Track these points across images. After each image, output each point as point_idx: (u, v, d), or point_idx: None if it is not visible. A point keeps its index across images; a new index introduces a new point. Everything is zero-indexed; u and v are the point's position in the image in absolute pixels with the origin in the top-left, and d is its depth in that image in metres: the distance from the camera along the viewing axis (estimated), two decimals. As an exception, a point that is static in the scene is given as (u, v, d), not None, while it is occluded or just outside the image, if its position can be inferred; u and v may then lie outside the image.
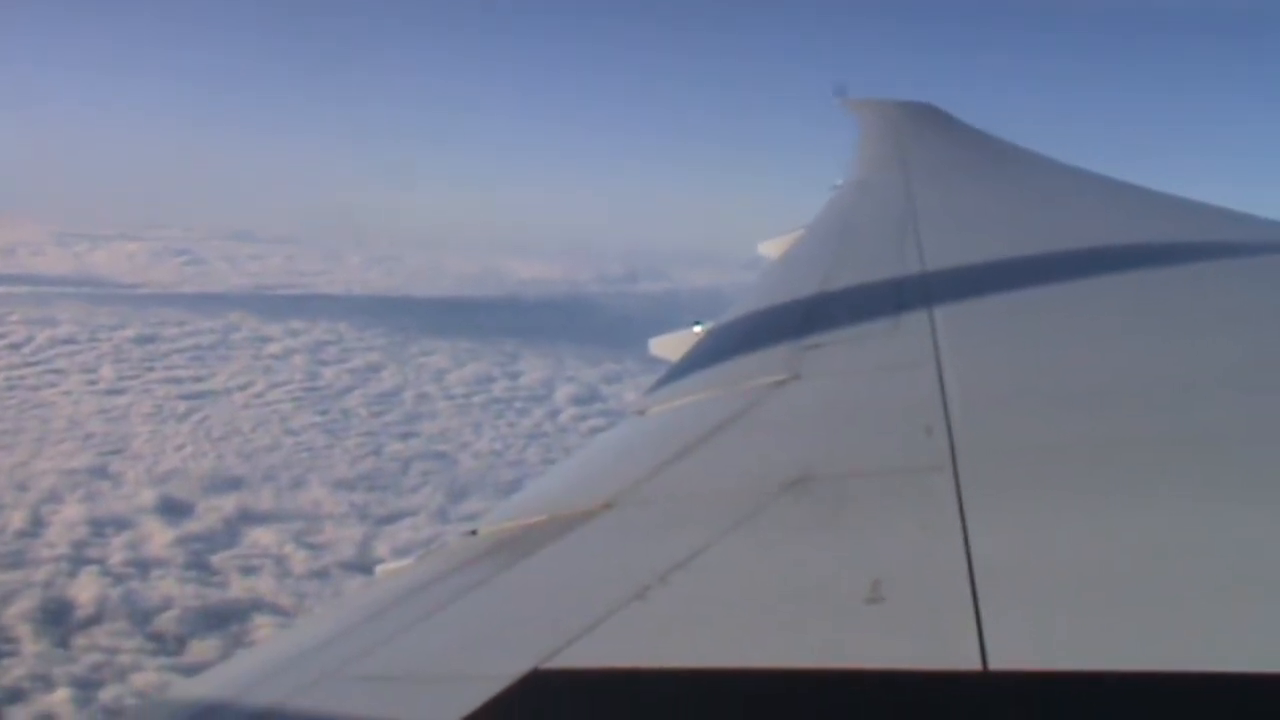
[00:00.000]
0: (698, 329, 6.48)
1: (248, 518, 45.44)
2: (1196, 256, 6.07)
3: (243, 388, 66.93)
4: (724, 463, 3.41)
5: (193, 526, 43.99)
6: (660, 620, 2.13)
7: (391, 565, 3.65)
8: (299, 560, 41.39)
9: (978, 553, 2.09)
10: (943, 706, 1.62)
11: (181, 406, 62.14)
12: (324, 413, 62.76)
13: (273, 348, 77.22)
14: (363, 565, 41.29)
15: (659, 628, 2.10)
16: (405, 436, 59.35)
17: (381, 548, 43.09)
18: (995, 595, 1.89)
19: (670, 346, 6.58)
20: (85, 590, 37.18)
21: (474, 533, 3.41)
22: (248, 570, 40.22)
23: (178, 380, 67.75)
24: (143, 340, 76.53)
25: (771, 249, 9.84)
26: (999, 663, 1.65)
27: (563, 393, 69.87)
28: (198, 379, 68.46)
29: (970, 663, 1.66)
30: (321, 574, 40.40)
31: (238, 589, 38.70)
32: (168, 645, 34.10)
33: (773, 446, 3.48)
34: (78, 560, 39.68)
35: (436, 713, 1.85)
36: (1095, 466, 2.65)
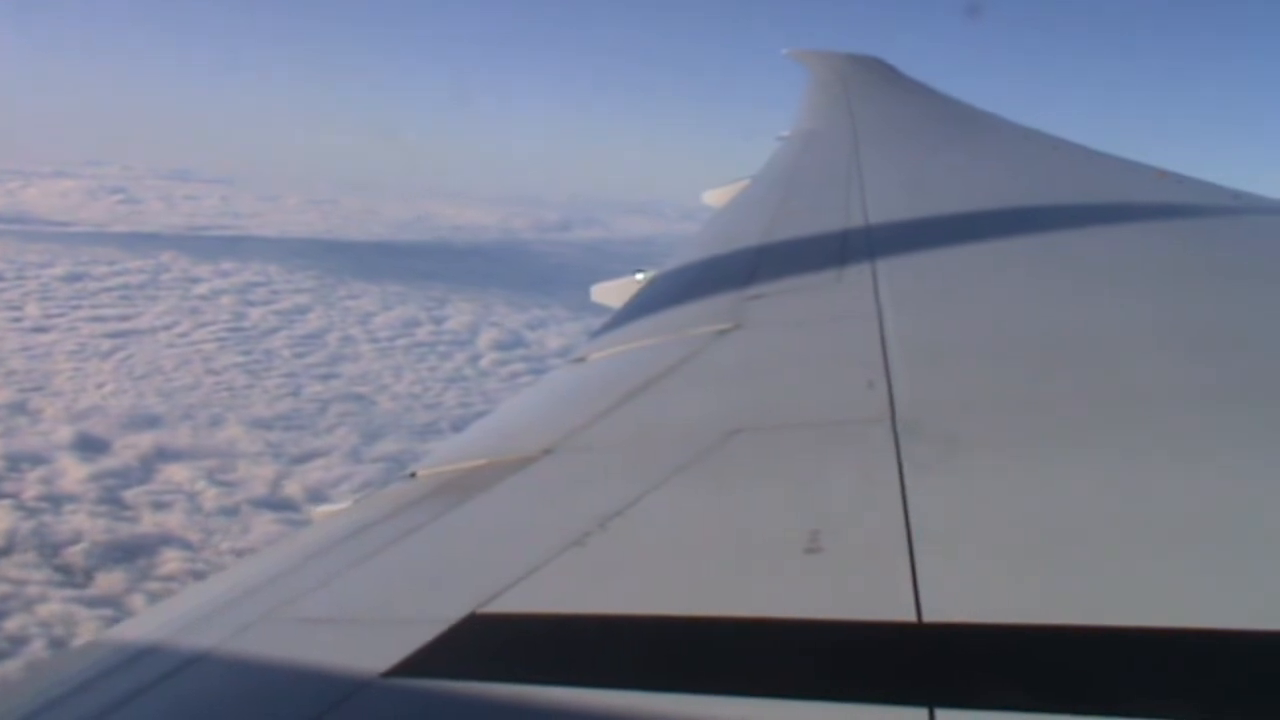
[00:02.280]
0: (640, 276, 6.37)
1: (163, 455, 45.31)
2: (1138, 216, 6.07)
3: (168, 327, 66.18)
4: (665, 411, 3.35)
5: (108, 463, 43.85)
6: (599, 567, 2.10)
7: (330, 508, 3.55)
8: (210, 497, 41.46)
9: (915, 506, 2.08)
10: (877, 656, 1.60)
11: (105, 345, 61.39)
12: (247, 353, 62.27)
13: (201, 288, 76.25)
14: (273, 503, 41.67)
15: (598, 574, 2.07)
16: (326, 378, 59.19)
17: (292, 486, 43.46)
18: (931, 548, 1.88)
19: (612, 293, 6.48)
20: (-4, 523, 37.18)
21: (413, 475, 3.35)
22: (159, 506, 40.24)
23: (103, 319, 66.77)
24: (71, 278, 75.21)
25: (716, 198, 9.71)
26: (933, 615, 1.65)
27: (486, 338, 69.80)
28: (124, 318, 67.52)
29: (905, 614, 1.66)
30: (232, 511, 40.55)
31: (148, 524, 38.71)
32: (75, 578, 34.07)
33: (714, 395, 3.42)
34: (-10, 494, 39.60)
35: (375, 656, 1.79)
36: (1034, 422, 2.63)
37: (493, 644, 1.84)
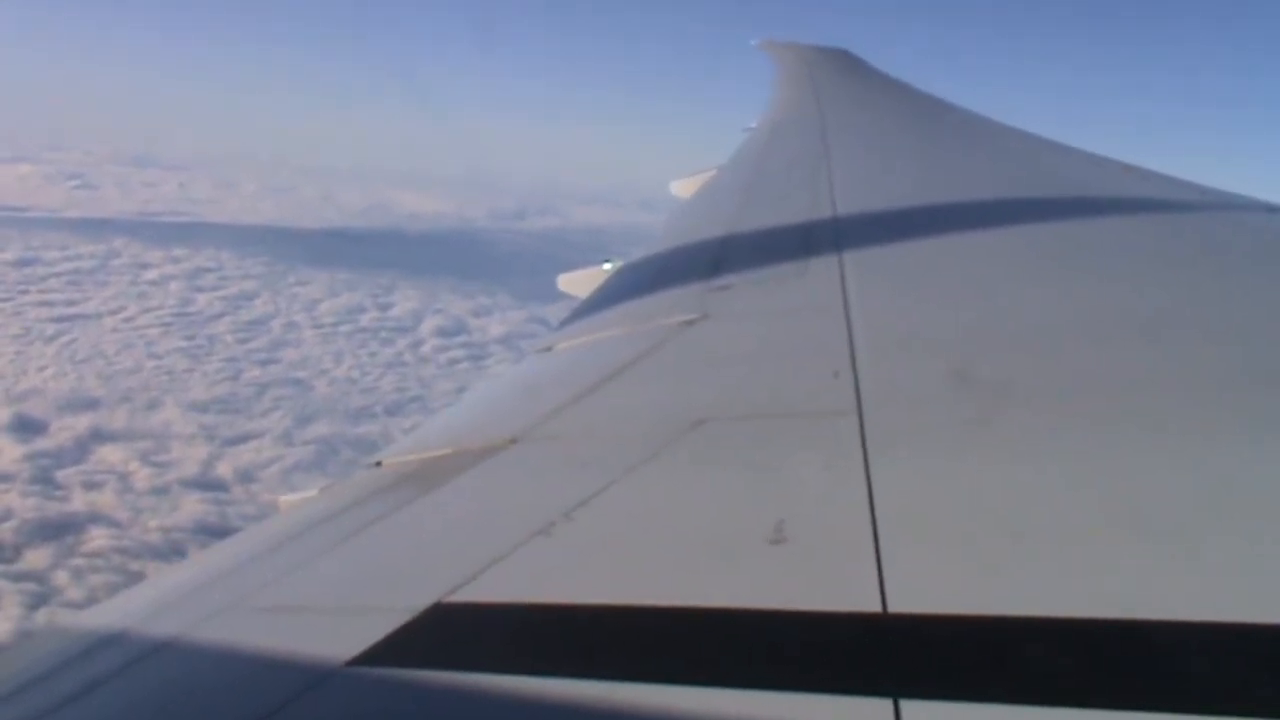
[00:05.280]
0: (607, 266, 6.32)
1: (99, 436, 46.01)
2: (1104, 210, 6.01)
3: (114, 312, 66.52)
4: (631, 401, 3.31)
5: (44, 444, 44.48)
6: (564, 556, 2.08)
7: (295, 496, 3.50)
8: (142, 477, 42.23)
9: (880, 497, 2.06)
10: (842, 647, 1.59)
11: (50, 329, 61.78)
12: (190, 338, 62.84)
13: (151, 274, 76.33)
14: (203, 483, 42.39)
15: (563, 564, 2.05)
16: (265, 363, 59.83)
17: (224, 467, 44.30)
18: (896, 539, 1.87)
19: (579, 283, 6.41)
20: (-72, 502, 37.68)
21: (379, 464, 3.31)
22: (91, 486, 40.97)
23: (50, 303, 67.05)
24: (21, 263, 75.31)
25: (684, 189, 9.60)
26: (898, 605, 1.64)
27: (429, 324, 70.43)
28: (71, 302, 67.75)
29: (870, 605, 1.65)
30: (162, 490, 41.28)
31: (79, 503, 39.43)
32: (4, 553, 34.72)
33: (680, 386, 3.38)
34: (-76, 474, 40.07)
35: (340, 645, 1.77)
36: (999, 412, 2.58)
37: (458, 633, 1.83)
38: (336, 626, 1.97)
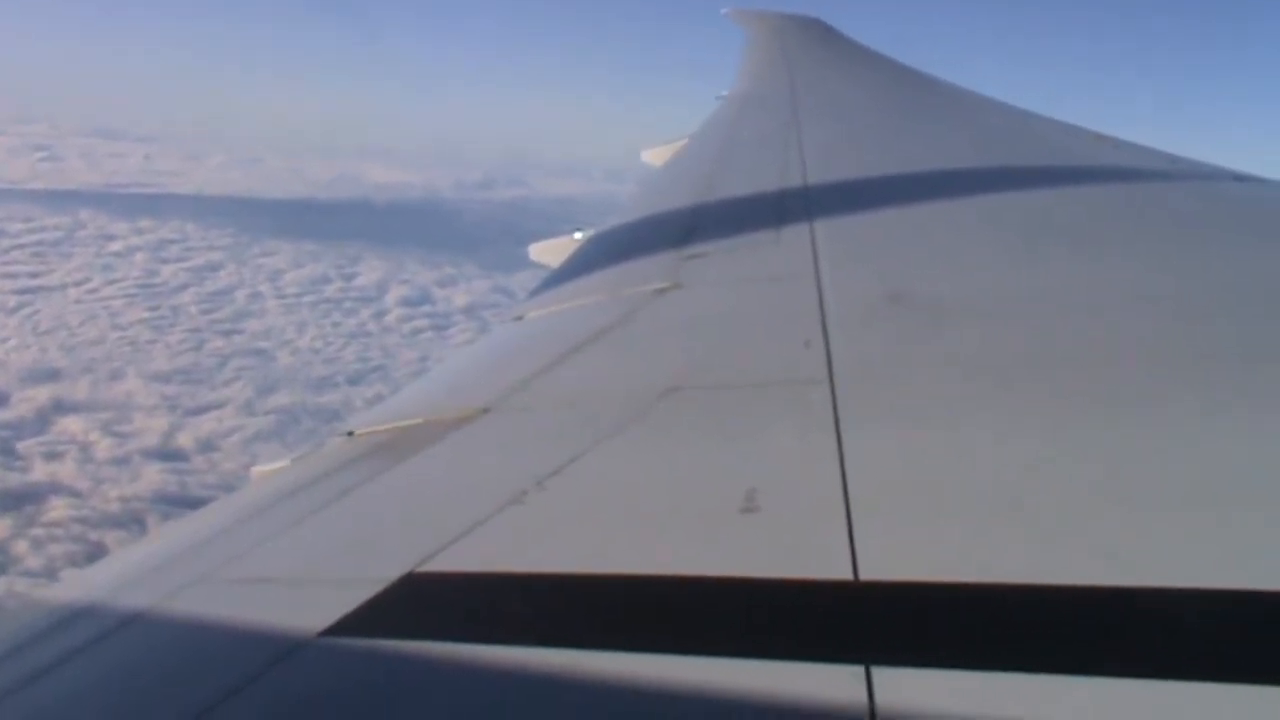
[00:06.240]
0: (578, 235, 6.23)
1: (60, 407, 46.14)
2: (1075, 179, 5.99)
3: (78, 284, 66.33)
4: (602, 370, 3.29)
5: (4, 415, 44.72)
6: (536, 525, 2.08)
7: (267, 467, 3.46)
8: (103, 447, 42.45)
9: (852, 465, 2.06)
10: (814, 614, 1.59)
11: (13, 301, 61.72)
12: (154, 309, 62.78)
13: (115, 245, 75.97)
14: (164, 453, 42.54)
15: (535, 533, 2.05)
16: (229, 333, 59.97)
17: (184, 438, 44.49)
18: (868, 507, 1.87)
19: (550, 252, 6.31)
20: (-114, 474, 37.76)
21: (351, 434, 3.28)
22: (52, 456, 41.24)
23: (13, 275, 66.89)
24: (-18, 235, 74.69)
25: (655, 157, 9.47)
26: (870, 573, 1.64)
27: (394, 294, 70.50)
28: (34, 274, 67.60)
29: (842, 572, 1.65)
30: (123, 460, 41.53)
31: (39, 473, 39.76)
32: (-39, 524, 34.92)
33: (652, 354, 3.36)
34: (-118, 447, 40.10)
35: (312, 615, 1.77)
36: (970, 382, 2.58)
37: (430, 603, 1.83)
38: (308, 597, 1.95)
